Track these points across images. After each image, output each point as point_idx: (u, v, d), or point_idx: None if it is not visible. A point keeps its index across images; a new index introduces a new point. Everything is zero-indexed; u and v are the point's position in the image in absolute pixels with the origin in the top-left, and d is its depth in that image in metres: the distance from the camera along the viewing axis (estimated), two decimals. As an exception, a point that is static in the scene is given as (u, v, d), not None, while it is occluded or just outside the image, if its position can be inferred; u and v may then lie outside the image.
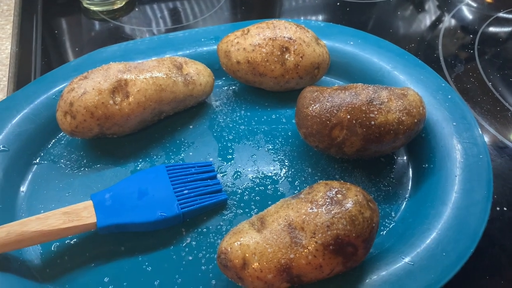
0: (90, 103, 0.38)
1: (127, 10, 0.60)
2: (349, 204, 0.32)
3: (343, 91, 0.39)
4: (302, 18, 0.59)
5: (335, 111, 0.38)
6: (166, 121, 0.44)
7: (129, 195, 0.36)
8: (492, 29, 0.58)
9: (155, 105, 0.40)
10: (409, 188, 0.41)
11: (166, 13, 0.60)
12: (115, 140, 0.42)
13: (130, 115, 0.39)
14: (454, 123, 0.43)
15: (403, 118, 0.38)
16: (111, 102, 0.39)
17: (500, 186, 0.42)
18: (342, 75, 0.49)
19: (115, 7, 0.59)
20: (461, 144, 0.41)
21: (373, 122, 0.38)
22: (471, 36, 0.57)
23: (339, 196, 0.33)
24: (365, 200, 0.33)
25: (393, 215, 0.39)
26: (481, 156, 0.40)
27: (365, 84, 0.43)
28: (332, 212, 0.32)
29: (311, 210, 0.32)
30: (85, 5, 0.59)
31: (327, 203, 0.32)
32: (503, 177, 0.43)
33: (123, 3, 0.60)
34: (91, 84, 0.39)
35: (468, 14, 0.61)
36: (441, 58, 0.54)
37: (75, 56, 0.54)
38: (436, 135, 0.42)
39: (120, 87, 0.39)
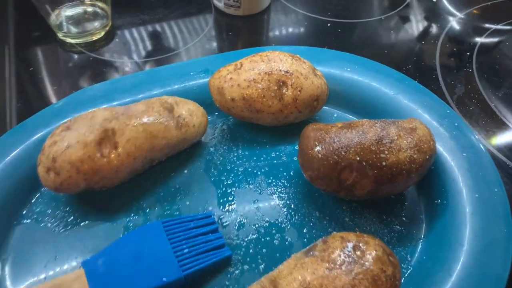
0: (75, 157, 0.34)
1: (107, 41, 0.56)
2: (369, 262, 0.30)
3: (349, 129, 0.37)
4: (292, 44, 0.56)
5: (343, 153, 0.35)
6: (159, 167, 0.41)
7: (124, 260, 0.33)
8: (488, 44, 0.57)
9: (146, 154, 0.37)
10: (423, 227, 0.39)
11: (148, 42, 0.56)
12: (104, 193, 0.39)
13: (120, 167, 0.36)
14: (464, 154, 0.40)
15: (414, 156, 0.36)
16: (98, 155, 0.35)
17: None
18: (341, 104, 0.47)
19: (94, 38, 0.55)
20: (473, 176, 0.39)
21: (384, 163, 0.35)
22: (468, 53, 0.55)
23: (357, 252, 0.30)
24: (385, 255, 0.30)
25: (409, 258, 0.37)
26: (496, 190, 0.38)
27: (369, 118, 0.41)
28: (353, 273, 0.29)
29: (328, 272, 0.29)
30: (61, 37, 0.55)
31: (346, 262, 0.30)
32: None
33: (102, 33, 0.56)
34: (75, 136, 0.35)
35: (462, 30, 0.59)
36: (440, 79, 0.52)
37: (54, 94, 0.50)
38: (446, 167, 0.40)
39: (107, 138, 0.36)
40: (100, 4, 0.55)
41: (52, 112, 0.42)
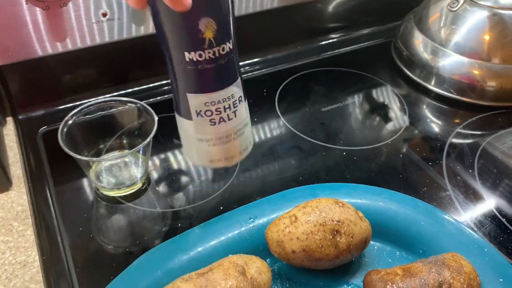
0: None
1: (144, 189, 0.59)
2: None
3: (411, 278, 0.41)
4: (314, 178, 0.61)
5: (412, 303, 0.39)
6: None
7: None
8: (485, 156, 0.65)
9: (231, 323, 0.40)
10: None
11: (184, 185, 0.60)
12: None
13: None
14: (501, 279, 0.46)
15: (470, 295, 0.41)
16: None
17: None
18: (380, 236, 0.51)
19: (133, 190, 0.58)
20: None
21: (448, 308, 0.39)
22: (470, 170, 0.63)
23: None
24: None
25: None
26: (539, 313, 0.43)
27: (407, 249, 0.46)
28: None
29: None
30: (100, 191, 0.58)
31: None
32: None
33: (140, 184, 0.59)
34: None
35: (463, 143, 0.67)
36: (455, 200, 0.58)
37: (109, 256, 0.52)
38: (489, 295, 0.45)
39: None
40: (139, 155, 0.59)
41: (123, 282, 0.44)
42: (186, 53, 0.40)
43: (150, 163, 0.62)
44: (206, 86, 0.44)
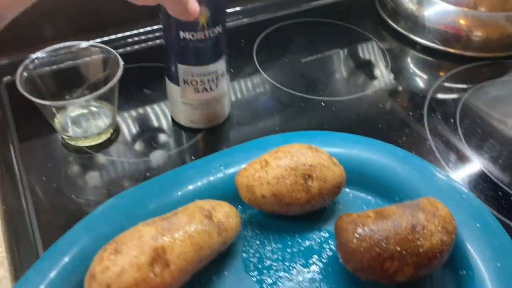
0: (130, 282, 0.35)
1: (113, 139, 0.57)
2: None
3: (383, 220, 0.39)
4: (291, 127, 0.59)
5: (384, 245, 0.38)
6: (199, 272, 0.41)
7: None
8: (467, 107, 0.63)
9: (195, 266, 0.38)
10: (457, 301, 0.41)
11: (159, 136, 0.57)
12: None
13: (172, 284, 0.36)
14: (477, 224, 0.44)
15: (444, 238, 0.39)
16: (151, 275, 0.35)
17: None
18: (355, 183, 0.50)
19: (100, 140, 0.56)
20: (490, 246, 0.42)
21: (421, 250, 0.38)
22: (451, 119, 0.61)
23: None
24: None
25: (451, 336, 0.39)
26: (514, 257, 0.42)
27: (383, 196, 0.45)
28: None
29: None
30: (66, 141, 0.55)
31: None
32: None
33: (108, 134, 0.57)
34: (127, 260, 0.35)
35: (442, 96, 0.65)
36: (435, 149, 0.57)
37: (74, 207, 0.49)
38: (465, 239, 0.43)
39: (158, 257, 0.36)
40: (105, 104, 0.56)
41: (85, 228, 0.42)
42: (181, 32, 0.48)
43: (123, 114, 0.60)
44: (194, 60, 0.51)
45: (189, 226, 0.38)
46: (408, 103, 0.64)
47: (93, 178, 0.53)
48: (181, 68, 0.52)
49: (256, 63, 0.69)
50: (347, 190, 0.50)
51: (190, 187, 0.47)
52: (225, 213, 0.42)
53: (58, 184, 0.51)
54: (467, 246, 0.43)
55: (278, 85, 0.65)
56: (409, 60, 0.73)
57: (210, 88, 0.54)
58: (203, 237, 0.38)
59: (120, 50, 0.69)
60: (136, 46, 0.71)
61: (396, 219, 0.39)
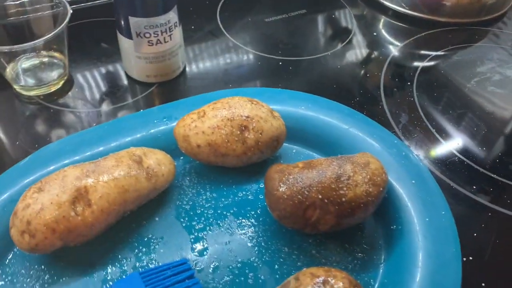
0: (50, 219, 0.35)
1: (66, 91, 0.57)
2: (337, 295, 0.32)
3: (310, 169, 0.40)
4: (246, 84, 0.59)
5: (306, 192, 0.38)
6: (130, 217, 0.42)
7: (107, 315, 0.34)
8: (426, 71, 0.62)
9: (119, 208, 0.38)
10: (383, 252, 0.42)
11: (107, 90, 0.57)
12: (78, 248, 0.39)
13: (94, 223, 0.37)
14: (413, 181, 0.45)
15: (370, 189, 0.40)
16: (72, 214, 0.36)
17: (461, 235, 0.44)
18: (298, 140, 0.50)
19: (52, 89, 0.56)
20: (422, 202, 0.43)
21: (344, 199, 0.38)
22: (408, 83, 0.60)
23: (327, 287, 0.33)
24: (352, 285, 0.33)
25: (372, 283, 0.40)
26: (443, 213, 0.42)
27: (325, 152, 0.45)
28: (323, 306, 0.32)
29: (303, 308, 0.32)
30: (18, 90, 0.55)
31: (317, 297, 0.32)
32: (463, 225, 0.45)
33: (60, 84, 0.57)
34: (48, 198, 0.36)
35: (402, 60, 0.64)
36: (386, 109, 0.56)
37: (15, 150, 0.50)
38: (398, 195, 0.44)
39: (80, 196, 0.37)
40: (56, 54, 0.56)
41: (18, 171, 0.43)
42: None
43: (79, 68, 0.59)
44: (146, 12, 0.51)
45: (115, 169, 0.39)
46: (367, 66, 0.63)
47: (44, 127, 0.53)
48: (133, 20, 0.51)
49: (219, 21, 0.68)
50: (290, 145, 0.50)
51: (130, 137, 0.47)
52: (157, 160, 0.42)
53: (10, 133, 0.51)
54: (400, 202, 0.43)
55: (237, 43, 0.65)
56: (376, 24, 0.72)
57: (164, 40, 0.54)
58: (129, 181, 0.39)
59: (74, 6, 0.68)
60: (90, 2, 0.70)
61: (322, 169, 0.40)
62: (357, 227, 0.44)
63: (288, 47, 0.65)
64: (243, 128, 0.44)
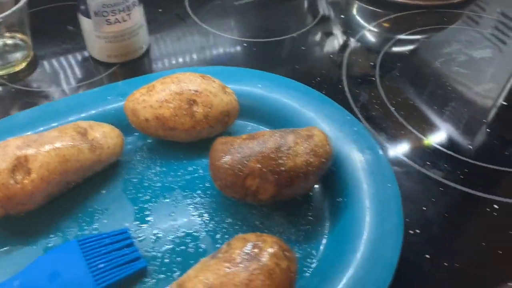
0: (-12, 186, 0.36)
1: (30, 71, 0.57)
2: (265, 258, 0.33)
3: (251, 140, 0.40)
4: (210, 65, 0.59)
5: (245, 162, 0.38)
6: (77, 189, 0.42)
7: (40, 280, 0.34)
8: (390, 53, 0.62)
9: (60, 178, 0.39)
10: (327, 224, 0.42)
11: (70, 70, 0.58)
12: (22, 217, 0.40)
13: (34, 192, 0.37)
14: (362, 155, 0.45)
15: (310, 159, 0.40)
16: (11, 181, 0.37)
17: (410, 209, 0.44)
18: (253, 117, 0.50)
19: (16, 69, 0.57)
20: (369, 175, 0.43)
21: (283, 168, 0.39)
22: (371, 63, 0.60)
23: (255, 250, 0.33)
24: (281, 250, 0.34)
25: (314, 253, 0.40)
26: (389, 185, 0.42)
27: (274, 128, 0.45)
28: (250, 269, 0.32)
29: (229, 270, 0.32)
30: (-18, 70, 0.56)
31: (244, 259, 0.33)
32: (412, 200, 0.45)
33: (24, 64, 0.57)
34: (-13, 166, 0.36)
35: (366, 42, 0.64)
36: (346, 89, 0.57)
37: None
38: (346, 168, 0.44)
39: (20, 165, 0.37)
40: (19, 35, 0.57)
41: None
42: None
43: (44, 49, 0.60)
44: None
45: (57, 140, 0.39)
46: (332, 47, 0.63)
47: (8, 107, 0.54)
48: None
49: (187, 3, 0.69)
50: (246, 122, 0.51)
51: (85, 113, 0.47)
52: (103, 133, 0.42)
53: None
54: (347, 175, 0.44)
55: (204, 26, 0.65)
56: (349, 9, 0.72)
57: (123, 19, 0.54)
58: (71, 151, 0.39)
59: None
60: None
61: (264, 140, 0.40)
62: (304, 200, 0.44)
63: (253, 29, 0.65)
64: (192, 102, 0.44)
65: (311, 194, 0.44)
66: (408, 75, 0.59)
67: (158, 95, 0.44)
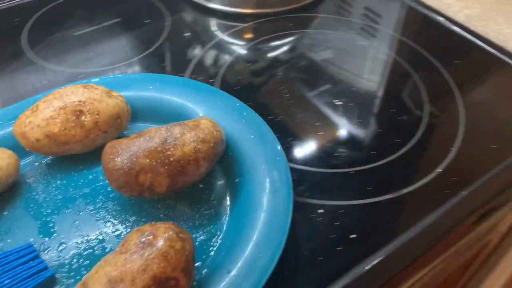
0: None
1: None
2: (159, 243, 0.35)
3: (138, 138, 0.42)
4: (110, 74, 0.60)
5: (134, 159, 0.40)
6: (-24, 215, 0.43)
7: None
8: (234, 63, 0.66)
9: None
10: (228, 204, 0.45)
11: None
12: None
13: None
14: (252, 136, 0.48)
15: (198, 146, 0.42)
16: None
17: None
18: (149, 119, 0.52)
19: None
20: (260, 153, 0.46)
21: (172, 159, 0.41)
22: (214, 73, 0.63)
23: (150, 237, 0.35)
24: (174, 233, 0.36)
25: (218, 234, 0.43)
26: (278, 158, 0.46)
27: (167, 123, 0.47)
28: (145, 255, 0.34)
29: (125, 260, 0.34)
30: None
31: (140, 248, 0.35)
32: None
33: None
34: None
35: (218, 49, 0.68)
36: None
37: None
38: (240, 150, 0.47)
39: None
40: None
41: None
42: None
43: None
44: None
45: None
46: (174, 65, 0.64)
47: None
48: None
49: (23, 42, 0.67)
50: (145, 124, 0.52)
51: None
52: (-7, 156, 0.43)
53: None
54: (240, 156, 0.47)
55: (42, 62, 0.64)
56: (196, 22, 0.73)
57: None
58: (-41, 178, 0.40)
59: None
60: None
61: (150, 136, 0.42)
62: (206, 187, 0.46)
63: (94, 58, 0.64)
64: (78, 112, 0.45)
65: (212, 180, 0.47)
66: (244, 82, 0.62)
67: (43, 114, 0.45)
